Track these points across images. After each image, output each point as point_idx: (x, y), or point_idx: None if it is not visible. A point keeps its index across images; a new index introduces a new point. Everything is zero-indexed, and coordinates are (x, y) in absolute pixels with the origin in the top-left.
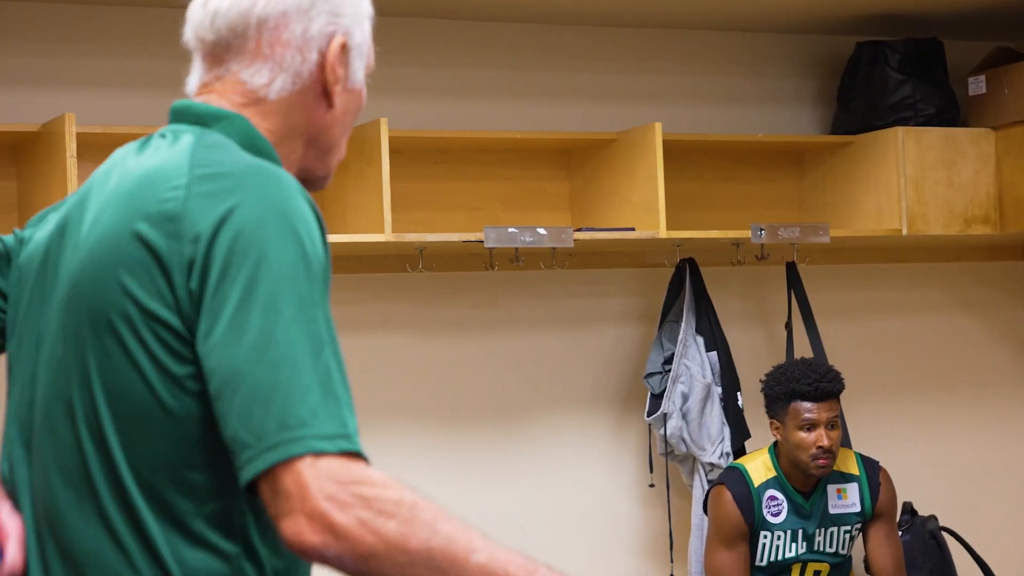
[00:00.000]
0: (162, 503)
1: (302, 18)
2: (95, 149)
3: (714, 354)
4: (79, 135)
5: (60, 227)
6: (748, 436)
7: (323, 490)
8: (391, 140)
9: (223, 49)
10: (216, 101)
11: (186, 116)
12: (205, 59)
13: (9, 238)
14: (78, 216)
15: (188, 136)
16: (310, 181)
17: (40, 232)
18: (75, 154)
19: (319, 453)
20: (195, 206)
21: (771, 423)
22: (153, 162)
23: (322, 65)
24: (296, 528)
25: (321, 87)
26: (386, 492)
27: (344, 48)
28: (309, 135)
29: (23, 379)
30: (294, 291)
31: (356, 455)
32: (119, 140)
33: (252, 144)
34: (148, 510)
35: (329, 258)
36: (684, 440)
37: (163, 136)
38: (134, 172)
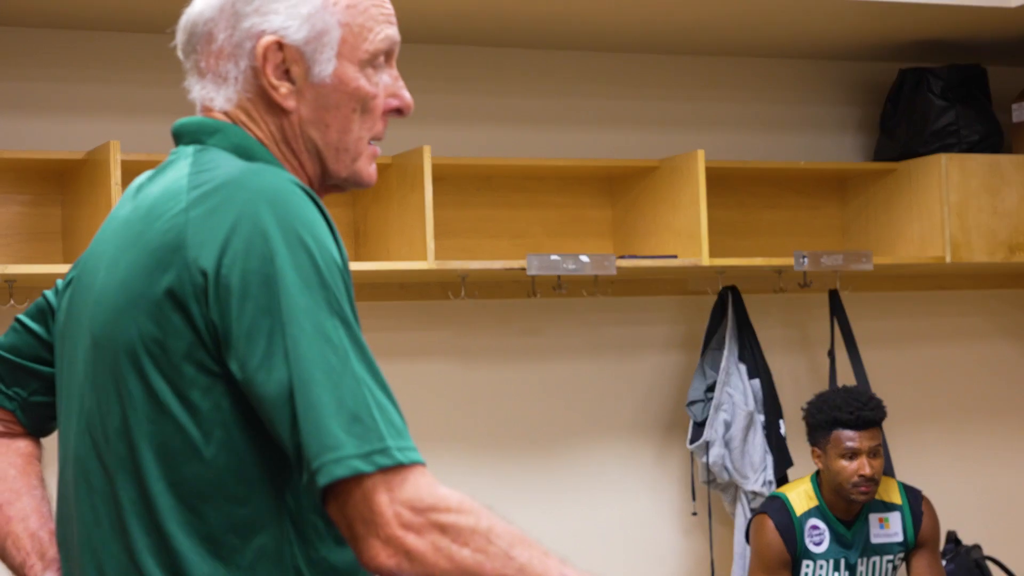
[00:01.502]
0: (209, 541)
1: (226, 24)
2: None
3: (756, 382)
4: (124, 163)
5: (82, 275)
6: (791, 464)
7: (399, 517)
8: (434, 167)
9: (187, 66)
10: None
11: (184, 136)
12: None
13: (50, 292)
14: (96, 260)
15: (187, 157)
16: (335, 186)
17: (72, 273)
18: (120, 182)
19: (370, 472)
20: (196, 230)
21: (813, 451)
22: (157, 192)
23: (258, 69)
24: (372, 552)
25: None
26: (461, 518)
27: (283, 47)
28: (286, 142)
29: (64, 432)
30: (312, 306)
31: (400, 467)
32: None
33: (248, 153)
34: (193, 550)
35: (343, 253)
36: (726, 468)
37: (170, 162)
38: (141, 206)
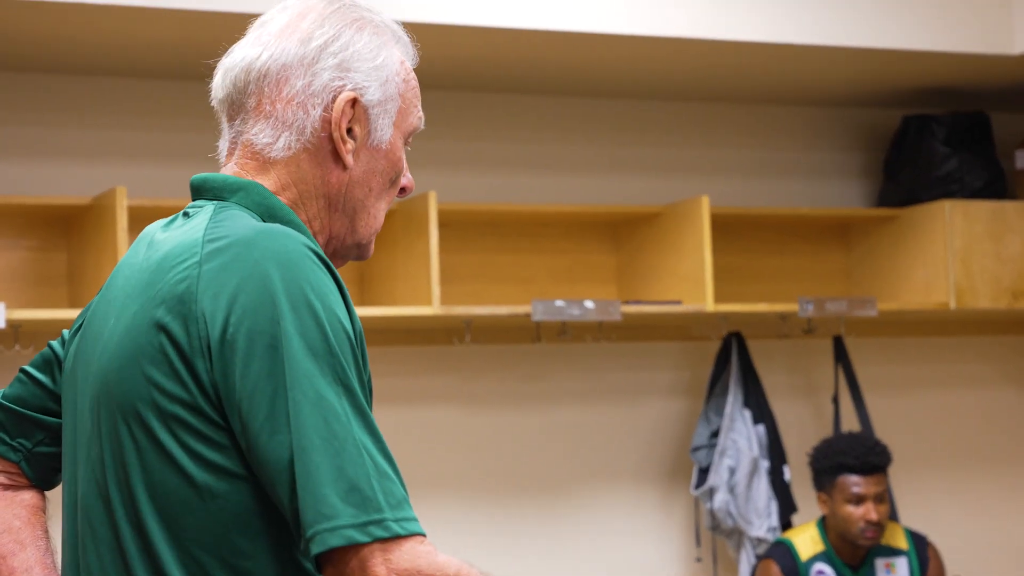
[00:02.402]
0: None
1: (304, 72)
2: (146, 223)
3: (761, 427)
4: (130, 208)
5: (91, 321)
6: (795, 510)
7: None
8: (439, 213)
9: (234, 108)
10: (232, 170)
11: (204, 191)
12: (225, 120)
13: (56, 342)
14: (105, 308)
15: (206, 211)
16: (344, 251)
17: (78, 322)
18: (126, 227)
19: (367, 542)
20: (206, 286)
21: (819, 496)
22: (171, 243)
23: (328, 121)
24: None
25: (331, 145)
26: None
27: (356, 104)
28: (327, 197)
29: (70, 480)
30: (316, 371)
31: (397, 537)
32: (170, 213)
33: (270, 214)
34: None
35: (355, 320)
36: (731, 514)
37: (186, 215)
38: (154, 256)
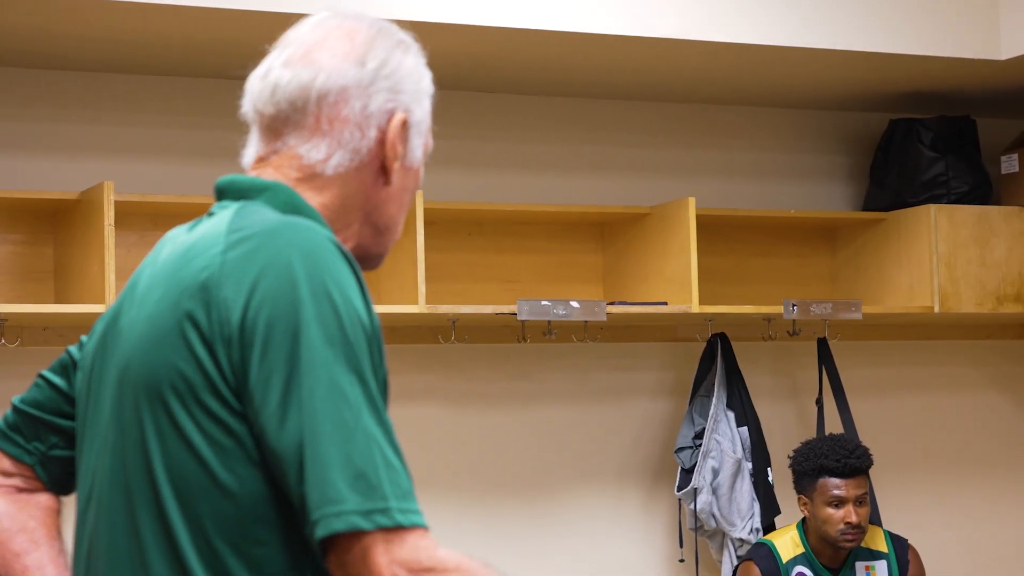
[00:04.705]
0: None
1: (362, 94)
2: (133, 217)
3: (745, 429)
4: (117, 203)
5: (113, 315)
6: (778, 512)
7: None
8: (426, 212)
9: (281, 123)
10: (270, 175)
11: (230, 192)
12: (262, 132)
13: (74, 347)
14: (129, 301)
15: (231, 209)
16: (364, 260)
17: (98, 325)
18: (113, 222)
19: (369, 530)
20: (228, 273)
21: (799, 499)
22: (195, 238)
23: (381, 142)
24: None
25: (379, 163)
26: None
27: (404, 125)
28: (365, 212)
29: (85, 472)
30: (331, 359)
31: (400, 528)
32: (157, 209)
33: (296, 210)
34: None
35: (372, 314)
36: (714, 515)
37: (210, 214)
38: (179, 249)
